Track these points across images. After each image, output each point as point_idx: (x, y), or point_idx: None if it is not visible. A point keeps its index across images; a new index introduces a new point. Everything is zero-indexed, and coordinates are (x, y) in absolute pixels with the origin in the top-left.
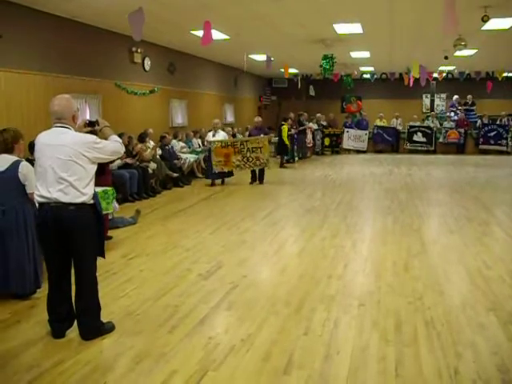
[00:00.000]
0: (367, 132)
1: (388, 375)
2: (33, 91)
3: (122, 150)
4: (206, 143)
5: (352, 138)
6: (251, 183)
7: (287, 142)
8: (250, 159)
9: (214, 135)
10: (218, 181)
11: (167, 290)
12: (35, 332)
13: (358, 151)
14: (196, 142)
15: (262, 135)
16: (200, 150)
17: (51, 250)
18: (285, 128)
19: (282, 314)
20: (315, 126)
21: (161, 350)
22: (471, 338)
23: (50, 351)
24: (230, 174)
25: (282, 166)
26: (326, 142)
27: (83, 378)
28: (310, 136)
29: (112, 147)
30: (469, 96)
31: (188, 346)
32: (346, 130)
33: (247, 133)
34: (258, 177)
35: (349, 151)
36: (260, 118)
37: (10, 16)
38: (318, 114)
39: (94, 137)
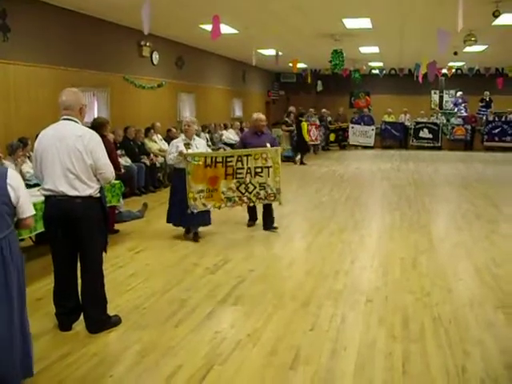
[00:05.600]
0: (373, 128)
1: (395, 371)
2: (41, 84)
3: (112, 177)
4: (170, 158)
5: (358, 133)
6: (249, 225)
7: (308, 139)
8: (251, 188)
9: (188, 146)
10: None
11: (174, 283)
12: (42, 324)
13: (365, 147)
14: (204, 136)
15: (268, 145)
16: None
17: (58, 243)
18: (304, 125)
19: (288, 309)
20: (317, 122)
21: (167, 343)
22: (479, 336)
23: (56, 344)
24: (204, 219)
25: (301, 163)
26: (331, 137)
27: (90, 370)
28: (316, 132)
29: (108, 163)
30: (486, 92)
31: (194, 340)
32: (351, 125)
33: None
34: (263, 215)
35: (356, 147)
36: (263, 116)
37: (19, 9)
38: (324, 110)
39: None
